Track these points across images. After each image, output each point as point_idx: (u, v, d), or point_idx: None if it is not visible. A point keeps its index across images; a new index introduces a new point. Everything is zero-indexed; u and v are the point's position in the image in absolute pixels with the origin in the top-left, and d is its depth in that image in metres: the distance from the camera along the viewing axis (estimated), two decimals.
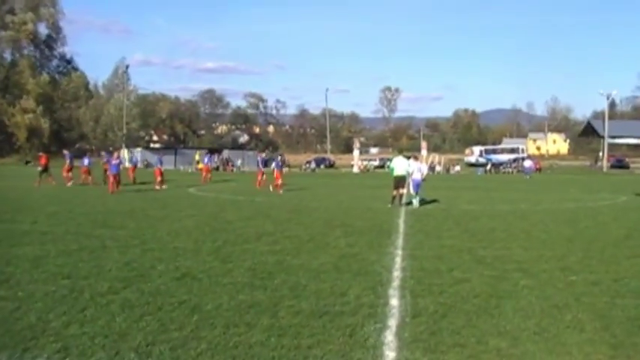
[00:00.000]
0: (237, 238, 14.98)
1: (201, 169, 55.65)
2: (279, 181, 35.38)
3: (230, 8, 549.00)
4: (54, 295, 8.73)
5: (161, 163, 38.97)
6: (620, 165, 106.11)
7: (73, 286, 9.21)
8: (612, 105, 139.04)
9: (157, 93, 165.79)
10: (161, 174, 37.27)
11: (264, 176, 39.38)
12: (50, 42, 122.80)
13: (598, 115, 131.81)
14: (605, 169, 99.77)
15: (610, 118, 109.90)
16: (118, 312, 7.84)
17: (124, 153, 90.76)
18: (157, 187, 35.94)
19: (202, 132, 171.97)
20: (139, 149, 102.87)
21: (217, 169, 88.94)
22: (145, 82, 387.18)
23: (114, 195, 29.43)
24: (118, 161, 33.48)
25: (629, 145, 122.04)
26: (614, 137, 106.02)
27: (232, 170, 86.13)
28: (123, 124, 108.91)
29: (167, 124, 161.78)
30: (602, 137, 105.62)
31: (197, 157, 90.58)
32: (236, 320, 7.57)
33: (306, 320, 7.63)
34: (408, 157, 27.18)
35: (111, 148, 48.51)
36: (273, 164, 37.56)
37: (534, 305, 8.57)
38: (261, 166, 41.50)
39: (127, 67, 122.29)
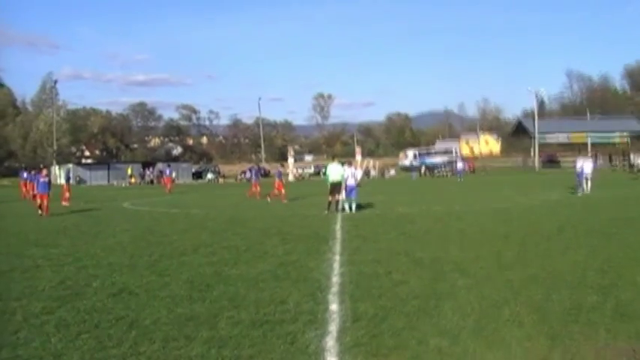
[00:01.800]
0: (174, 251, 14.81)
1: (164, 181, 58.48)
2: (282, 190, 35.39)
3: (157, 19, 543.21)
4: None
5: (68, 179, 38.18)
6: (550, 160, 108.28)
7: (5, 308, 8.97)
8: (541, 104, 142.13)
9: (88, 107, 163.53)
10: (69, 190, 36.43)
11: (259, 187, 39.59)
12: None
13: (528, 114, 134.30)
14: (537, 168, 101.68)
15: (539, 116, 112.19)
16: (53, 332, 7.65)
17: (56, 169, 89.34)
18: (65, 204, 33.98)
19: (135, 145, 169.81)
20: (70, 165, 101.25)
21: (152, 182, 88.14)
22: (75, 96, 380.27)
23: (38, 207, 27.47)
24: (46, 179, 28.84)
25: (559, 143, 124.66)
26: (544, 135, 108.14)
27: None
28: (53, 140, 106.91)
29: (99, 139, 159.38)
30: (533, 137, 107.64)
31: (129, 172, 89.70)
32: (175, 334, 7.47)
33: (246, 330, 7.57)
34: (343, 163, 27.23)
35: (42, 165, 47.69)
36: (275, 174, 38.83)
37: (473, 303, 8.66)
38: (254, 177, 41.92)
39: (55, 82, 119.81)
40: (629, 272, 10.50)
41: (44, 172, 29.62)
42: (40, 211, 26.86)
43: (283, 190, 35.26)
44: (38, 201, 27.68)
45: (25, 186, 46.56)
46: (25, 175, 49.11)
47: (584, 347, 6.71)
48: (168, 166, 66.18)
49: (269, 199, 34.16)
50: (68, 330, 7.74)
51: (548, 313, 8.01)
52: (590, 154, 57.14)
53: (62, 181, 39.56)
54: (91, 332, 7.62)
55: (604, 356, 6.53)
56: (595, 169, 40.39)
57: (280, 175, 37.68)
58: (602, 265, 11.24)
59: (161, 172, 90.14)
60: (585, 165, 35.65)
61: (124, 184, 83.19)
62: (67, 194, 35.54)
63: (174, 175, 58.25)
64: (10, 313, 8.71)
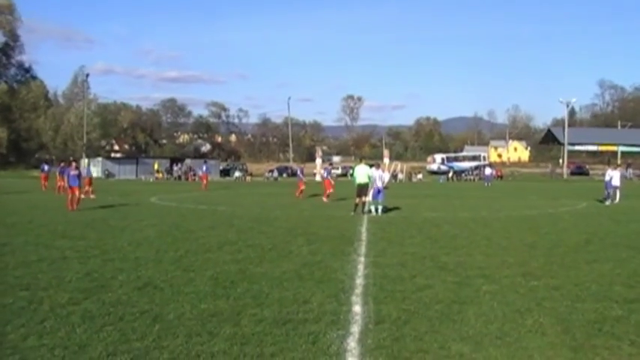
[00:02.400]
0: (200, 247, 14.88)
1: (200, 178, 60.09)
2: (329, 190, 35.31)
3: (193, 18, 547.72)
4: (12, 307, 8.58)
5: (89, 172, 38.72)
6: (580, 172, 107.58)
7: (32, 298, 9.08)
8: (572, 113, 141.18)
9: (118, 102, 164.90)
10: (90, 183, 36.90)
11: (303, 187, 39.77)
12: (7, 50, 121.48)
13: (558, 123, 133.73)
14: (565, 176, 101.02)
15: (570, 125, 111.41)
16: (78, 323, 7.73)
17: (85, 163, 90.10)
18: (91, 196, 34.59)
19: (164, 141, 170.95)
20: (99, 159, 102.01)
21: (179, 178, 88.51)
22: (107, 91, 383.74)
23: (68, 202, 26.63)
24: (77, 172, 27.88)
25: (588, 152, 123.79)
26: (573, 144, 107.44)
27: (194, 179, 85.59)
28: (83, 134, 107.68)
29: (128, 134, 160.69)
30: (562, 144, 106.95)
31: (156, 167, 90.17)
32: (198, 329, 7.52)
33: (268, 328, 7.59)
34: (371, 165, 27.17)
35: (71, 158, 48.36)
36: (324, 172, 39.09)
37: (496, 310, 8.62)
38: (301, 176, 41.95)
39: (87, 75, 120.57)
40: None
41: (74, 165, 28.90)
42: (70, 207, 26.19)
43: (330, 190, 35.12)
44: (69, 195, 26.95)
45: (46, 179, 47.51)
46: (45, 167, 50.28)
47: None
48: (205, 162, 66.91)
49: (325, 200, 33.89)
50: (93, 321, 7.82)
51: (571, 324, 7.95)
52: (619, 165, 56.29)
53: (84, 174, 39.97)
54: (116, 325, 7.69)
55: None
56: (624, 180, 40.12)
57: (329, 173, 37.99)
58: (629, 279, 11.11)
59: (190, 169, 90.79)
60: (614, 175, 35.35)
61: (151, 179, 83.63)
62: (87, 187, 35.86)
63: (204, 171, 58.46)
64: (38, 302, 8.81)
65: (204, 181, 54.76)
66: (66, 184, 29.13)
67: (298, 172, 44.53)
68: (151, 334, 7.31)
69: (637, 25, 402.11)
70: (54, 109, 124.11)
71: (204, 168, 58.37)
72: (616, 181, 35.12)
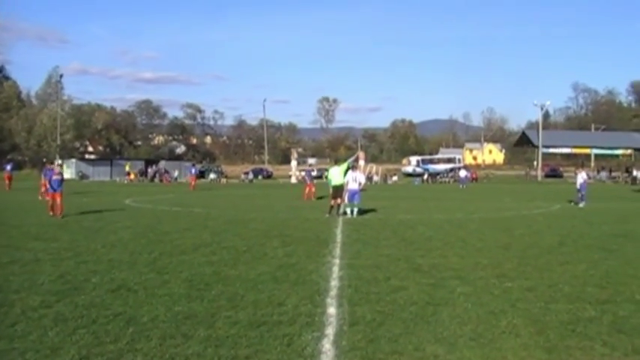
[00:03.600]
0: (174, 249, 14.81)
1: (189, 180, 63.80)
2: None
3: (169, 18, 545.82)
4: None
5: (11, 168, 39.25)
6: (554, 174, 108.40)
7: (3, 301, 8.97)
8: (546, 115, 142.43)
9: (93, 103, 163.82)
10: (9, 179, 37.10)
11: (314, 189, 39.82)
12: None
13: (532, 126, 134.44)
14: (539, 179, 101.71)
15: (544, 128, 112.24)
16: (50, 326, 7.65)
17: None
18: (40, 198, 31.52)
19: (139, 143, 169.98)
20: (73, 160, 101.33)
21: (153, 180, 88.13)
22: (81, 91, 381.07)
23: (49, 208, 24.58)
24: (60, 177, 25.18)
25: (562, 155, 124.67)
26: (548, 147, 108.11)
27: (169, 181, 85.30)
28: (57, 135, 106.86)
29: (103, 135, 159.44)
30: (537, 147, 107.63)
31: (127, 169, 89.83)
32: (172, 332, 7.47)
33: (243, 330, 7.57)
34: (352, 167, 27.11)
35: (45, 160, 48.08)
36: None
37: (470, 312, 8.65)
38: (308, 179, 41.97)
39: (61, 76, 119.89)
40: (627, 288, 10.44)
41: (57, 169, 26.59)
42: (51, 212, 24.03)
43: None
44: (49, 200, 24.72)
45: (10, 179, 47.96)
46: (8, 167, 50.69)
47: None
48: (193, 165, 69.29)
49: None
50: (66, 324, 7.74)
51: (545, 325, 7.99)
52: (584, 167, 56.64)
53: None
54: (89, 327, 7.62)
55: None
56: (594, 181, 40.45)
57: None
58: (601, 280, 11.19)
59: (165, 171, 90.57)
60: (579, 177, 35.70)
61: (125, 181, 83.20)
62: (43, 188, 35.00)
63: (176, 173, 59.15)
64: (9, 305, 8.71)
65: (193, 183, 58.51)
66: (48, 189, 25.52)
67: (305, 175, 44.82)
68: (124, 336, 7.25)
69: (610, 28, 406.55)
70: (27, 110, 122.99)
71: (192, 170, 62.39)
72: (579, 182, 35.50)
